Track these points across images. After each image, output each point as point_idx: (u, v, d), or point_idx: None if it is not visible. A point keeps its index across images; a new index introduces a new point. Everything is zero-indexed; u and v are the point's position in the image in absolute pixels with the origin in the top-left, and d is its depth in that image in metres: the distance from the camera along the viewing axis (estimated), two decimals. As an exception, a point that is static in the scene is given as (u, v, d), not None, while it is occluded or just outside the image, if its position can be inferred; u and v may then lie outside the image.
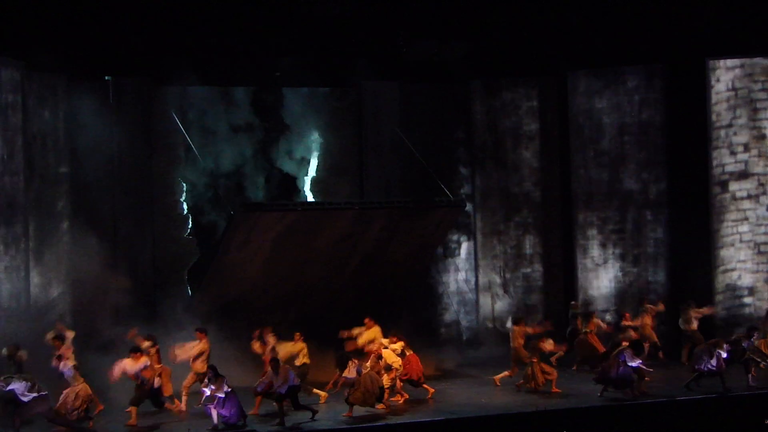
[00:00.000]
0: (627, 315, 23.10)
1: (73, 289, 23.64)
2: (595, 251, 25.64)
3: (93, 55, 23.08)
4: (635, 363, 19.28)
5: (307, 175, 26.30)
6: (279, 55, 24.11)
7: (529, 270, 26.90)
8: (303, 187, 26.29)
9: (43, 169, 23.18)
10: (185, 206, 25.15)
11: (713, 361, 19.64)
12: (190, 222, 25.15)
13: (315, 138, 26.28)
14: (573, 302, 25.14)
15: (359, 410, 18.37)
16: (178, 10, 22.92)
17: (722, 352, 19.74)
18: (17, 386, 17.16)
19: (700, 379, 19.85)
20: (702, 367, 19.75)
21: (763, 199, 24.09)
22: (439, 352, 24.00)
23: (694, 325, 22.68)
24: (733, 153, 24.18)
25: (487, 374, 21.99)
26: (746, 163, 24.10)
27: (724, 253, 24.15)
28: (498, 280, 26.88)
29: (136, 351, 18.36)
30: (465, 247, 27.20)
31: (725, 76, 24.16)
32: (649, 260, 25.23)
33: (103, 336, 21.69)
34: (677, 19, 23.77)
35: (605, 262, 25.51)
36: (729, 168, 24.21)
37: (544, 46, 25.37)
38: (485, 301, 26.88)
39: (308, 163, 26.27)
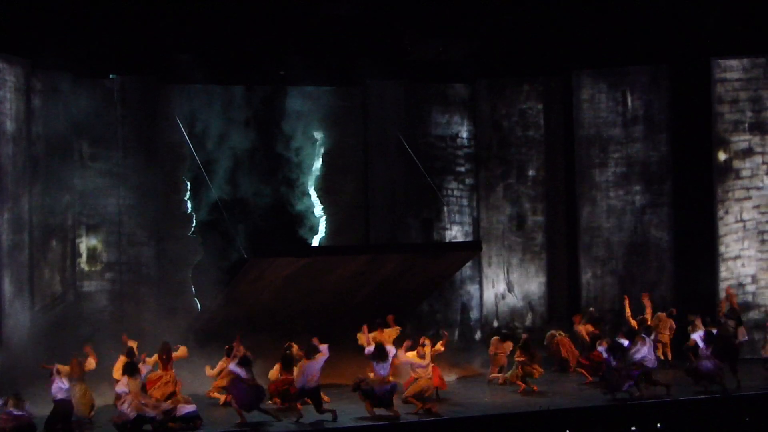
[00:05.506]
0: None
1: (77, 286, 23.66)
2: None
3: (98, 53, 23.08)
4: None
5: (311, 173, 26.31)
6: (284, 53, 24.10)
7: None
8: (307, 186, 26.29)
9: (48, 167, 23.19)
10: (189, 204, 25.16)
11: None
12: (194, 220, 25.17)
13: (319, 137, 26.28)
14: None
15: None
16: (184, 9, 22.94)
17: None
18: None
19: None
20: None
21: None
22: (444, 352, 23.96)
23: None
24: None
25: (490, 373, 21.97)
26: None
27: None
28: (502, 278, 26.87)
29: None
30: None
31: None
32: None
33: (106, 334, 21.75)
34: (682, 18, 23.76)
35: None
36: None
37: (549, 46, 25.37)
38: (489, 299, 26.88)
39: (312, 161, 26.27)
